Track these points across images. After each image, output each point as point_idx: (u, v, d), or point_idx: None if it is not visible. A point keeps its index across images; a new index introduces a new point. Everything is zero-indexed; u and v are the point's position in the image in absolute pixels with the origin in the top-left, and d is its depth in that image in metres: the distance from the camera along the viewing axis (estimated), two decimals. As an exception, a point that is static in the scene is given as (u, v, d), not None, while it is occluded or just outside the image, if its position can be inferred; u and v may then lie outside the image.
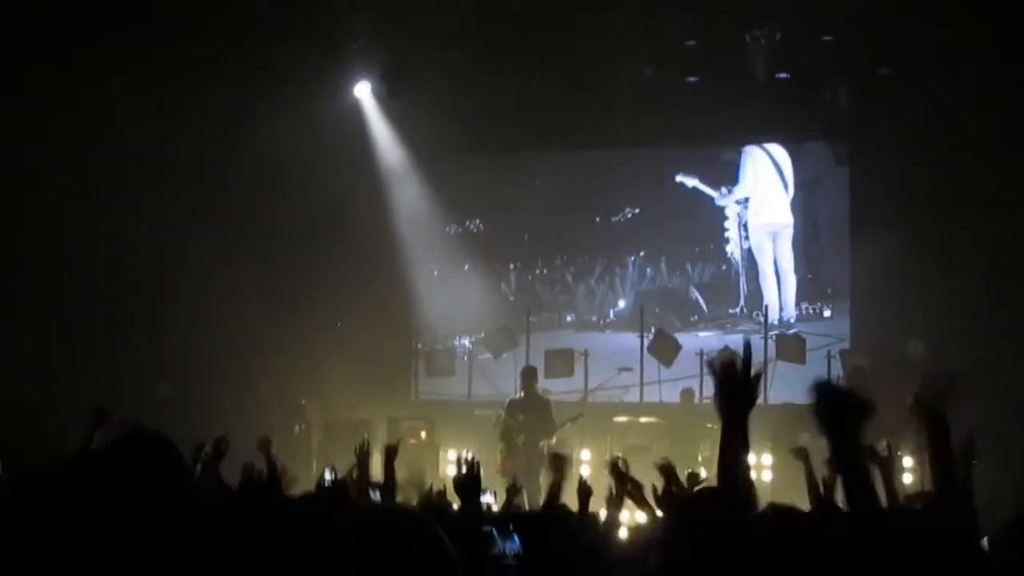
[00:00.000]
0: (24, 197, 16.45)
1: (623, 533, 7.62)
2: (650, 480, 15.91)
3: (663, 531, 4.89)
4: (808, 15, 17.00)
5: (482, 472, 16.05)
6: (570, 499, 7.86)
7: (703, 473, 15.75)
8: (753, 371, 4.42)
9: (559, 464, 8.43)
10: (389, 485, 8.12)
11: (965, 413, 15.46)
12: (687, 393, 17.65)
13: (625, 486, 7.98)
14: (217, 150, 17.49)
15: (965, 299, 16.37)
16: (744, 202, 19.58)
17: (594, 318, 20.19)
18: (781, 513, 5.06)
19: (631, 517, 12.99)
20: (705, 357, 18.06)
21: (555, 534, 5.64)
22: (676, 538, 4.58)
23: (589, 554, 5.69)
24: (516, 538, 5.60)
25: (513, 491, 8.97)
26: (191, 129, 17.23)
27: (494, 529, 5.65)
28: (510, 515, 6.23)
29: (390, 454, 8.28)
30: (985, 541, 5.98)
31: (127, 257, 17.09)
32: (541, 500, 9.45)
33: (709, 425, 17.06)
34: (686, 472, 8.92)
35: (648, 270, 19.98)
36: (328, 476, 8.76)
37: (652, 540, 5.50)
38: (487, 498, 8.41)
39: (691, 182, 19.46)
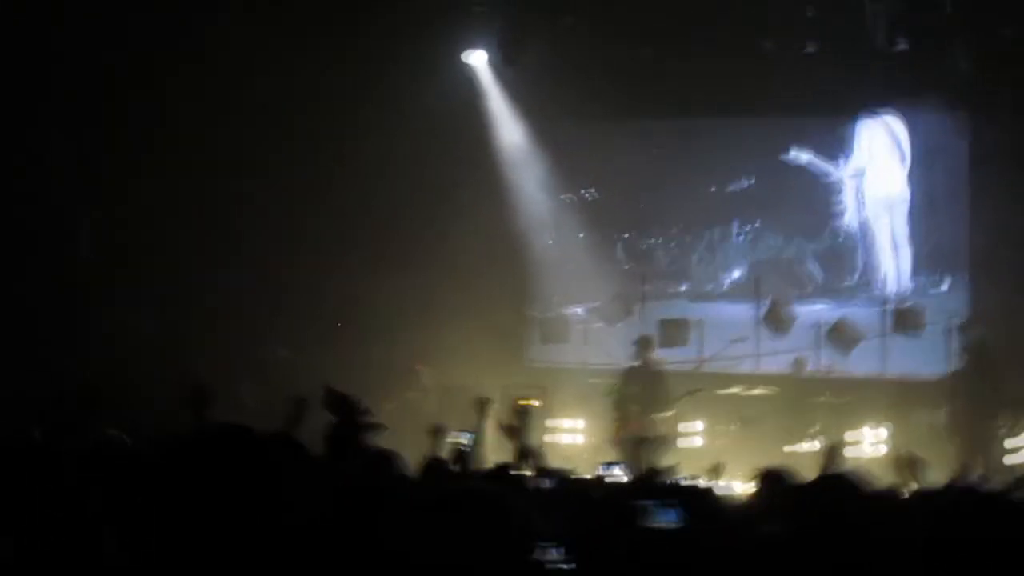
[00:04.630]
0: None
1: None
2: (765, 452, 15.94)
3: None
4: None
5: (593, 440, 16.17)
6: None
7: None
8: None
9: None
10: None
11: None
12: (799, 363, 17.60)
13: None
14: (334, 120, 17.70)
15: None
16: (859, 174, 19.38)
17: (708, 287, 20.10)
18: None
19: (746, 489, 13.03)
20: (821, 328, 18.02)
21: (715, 507, 5.66)
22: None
23: (736, 528, 5.70)
24: (674, 512, 5.59)
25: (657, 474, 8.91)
26: (306, 100, 17.48)
27: (653, 503, 5.64)
28: (668, 487, 6.26)
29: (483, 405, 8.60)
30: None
31: (243, 227, 17.50)
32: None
33: (821, 398, 17.07)
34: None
35: (763, 240, 19.85)
36: (465, 441, 8.85)
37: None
38: (616, 470, 8.47)
39: (804, 157, 19.27)
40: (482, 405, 8.99)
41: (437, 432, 8.45)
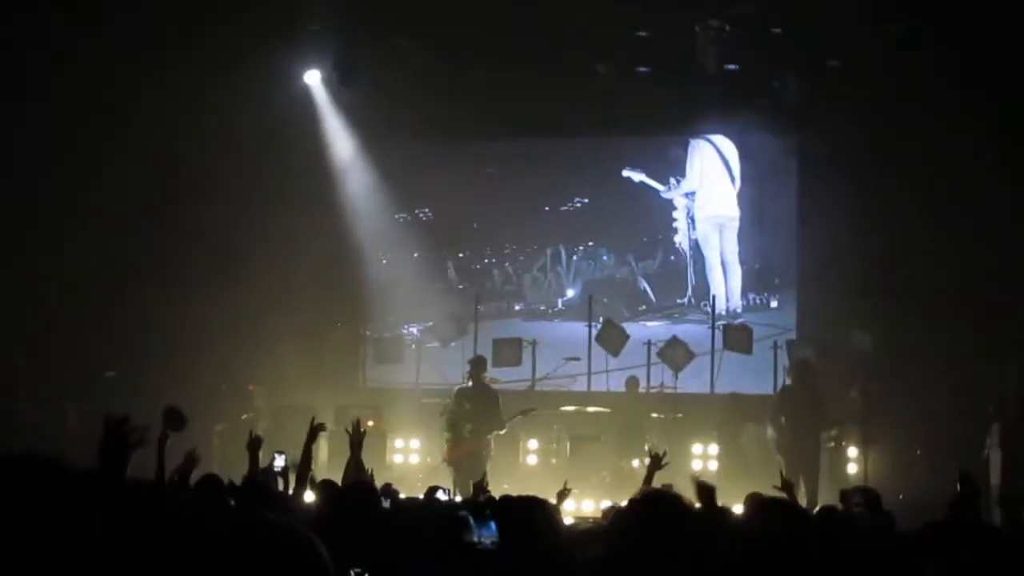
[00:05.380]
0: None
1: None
2: (599, 470, 16.04)
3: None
4: (759, 8, 17.07)
5: (428, 461, 16.09)
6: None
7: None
8: None
9: None
10: (305, 466, 8.27)
11: (910, 404, 15.60)
12: (632, 381, 17.73)
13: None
14: (167, 134, 17.38)
15: (910, 291, 16.53)
16: (691, 195, 19.65)
17: (542, 307, 20.21)
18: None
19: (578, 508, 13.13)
20: (653, 347, 18.18)
21: (533, 521, 5.65)
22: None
23: (563, 542, 5.70)
24: (493, 525, 5.60)
25: (479, 491, 8.90)
26: (136, 117, 17.16)
27: (470, 515, 5.65)
28: (487, 502, 6.25)
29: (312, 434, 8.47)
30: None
31: (79, 245, 17.12)
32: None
33: (654, 415, 17.22)
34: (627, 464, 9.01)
35: (596, 259, 20.02)
36: (279, 462, 8.72)
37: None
38: (440, 494, 8.48)
39: (637, 177, 19.51)
40: (313, 432, 8.78)
41: (253, 444, 8.26)
